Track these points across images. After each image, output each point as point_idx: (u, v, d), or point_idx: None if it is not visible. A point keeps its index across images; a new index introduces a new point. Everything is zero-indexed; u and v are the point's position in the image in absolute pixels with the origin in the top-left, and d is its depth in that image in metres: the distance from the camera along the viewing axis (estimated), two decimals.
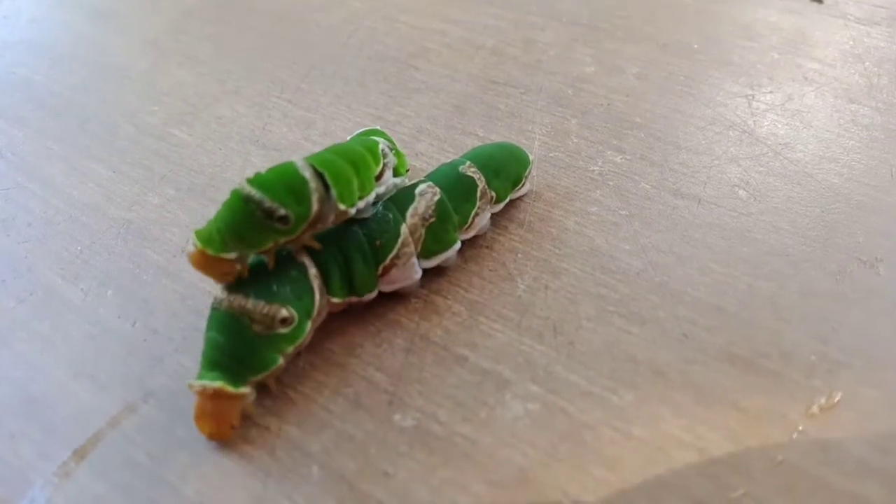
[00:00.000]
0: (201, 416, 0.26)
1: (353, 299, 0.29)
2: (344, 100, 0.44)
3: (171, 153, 0.40)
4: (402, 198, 0.30)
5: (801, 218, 0.34)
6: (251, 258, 0.27)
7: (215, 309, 0.26)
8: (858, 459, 0.25)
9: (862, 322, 0.29)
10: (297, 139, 0.41)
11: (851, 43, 0.47)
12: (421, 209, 0.30)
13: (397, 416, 0.27)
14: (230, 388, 0.25)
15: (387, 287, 0.30)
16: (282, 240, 0.26)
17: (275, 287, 0.27)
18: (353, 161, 0.28)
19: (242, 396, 0.26)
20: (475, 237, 0.33)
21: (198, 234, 0.25)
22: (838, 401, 0.27)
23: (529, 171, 0.35)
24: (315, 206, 0.26)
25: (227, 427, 0.26)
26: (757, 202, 0.35)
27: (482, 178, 0.32)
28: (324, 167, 0.27)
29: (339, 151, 0.29)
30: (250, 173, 0.26)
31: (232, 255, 0.25)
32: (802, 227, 0.34)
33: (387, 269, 0.29)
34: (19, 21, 0.55)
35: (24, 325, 0.31)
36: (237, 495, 0.25)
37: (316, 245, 0.28)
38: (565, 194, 0.36)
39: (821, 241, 0.33)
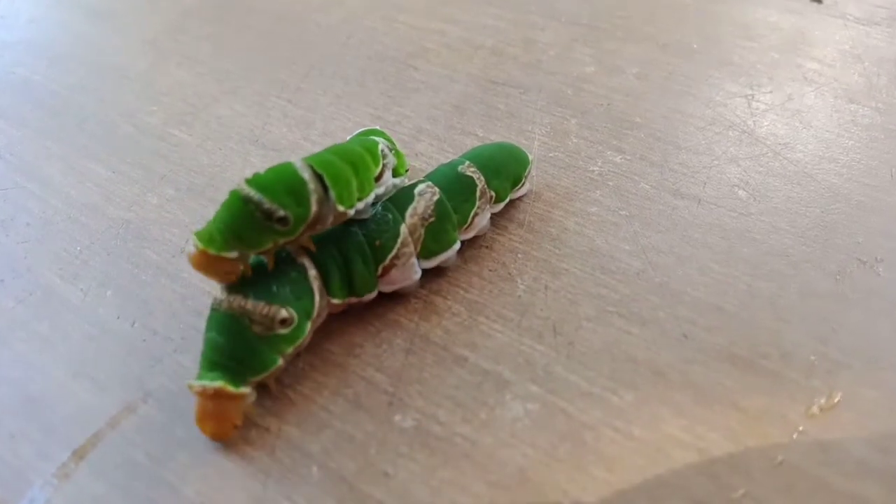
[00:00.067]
0: (202, 417, 0.26)
1: (353, 300, 0.29)
2: (343, 100, 0.44)
3: (170, 153, 0.40)
4: (402, 198, 0.30)
5: (800, 218, 0.34)
6: (251, 258, 0.27)
7: (215, 310, 0.26)
8: (858, 460, 0.25)
9: (862, 322, 0.29)
10: (296, 139, 0.41)
11: (851, 43, 0.47)
12: (420, 209, 0.30)
13: (397, 417, 0.27)
14: (231, 388, 0.25)
15: (386, 287, 0.30)
16: (281, 240, 0.26)
17: (274, 288, 0.27)
18: (352, 162, 0.28)
19: (243, 396, 0.26)
20: (475, 237, 0.33)
21: (198, 234, 0.25)
22: (838, 401, 0.27)
23: (529, 171, 0.35)
24: (314, 208, 0.26)
25: (228, 427, 0.26)
26: (757, 202, 0.35)
27: (482, 178, 0.32)
28: (323, 168, 0.27)
29: (339, 152, 0.28)
30: (249, 174, 0.26)
31: (233, 254, 0.25)
32: (802, 227, 0.34)
33: (386, 270, 0.29)
34: (18, 21, 0.55)
35: (23, 326, 0.31)
36: (237, 496, 0.25)
37: (312, 247, 0.28)
38: (565, 194, 0.36)
39: (820, 242, 0.33)
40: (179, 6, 0.55)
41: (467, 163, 0.32)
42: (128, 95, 0.46)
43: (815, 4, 0.51)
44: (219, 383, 0.25)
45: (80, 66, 0.49)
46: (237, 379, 0.26)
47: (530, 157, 0.36)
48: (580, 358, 0.28)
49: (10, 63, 0.50)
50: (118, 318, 0.31)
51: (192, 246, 0.25)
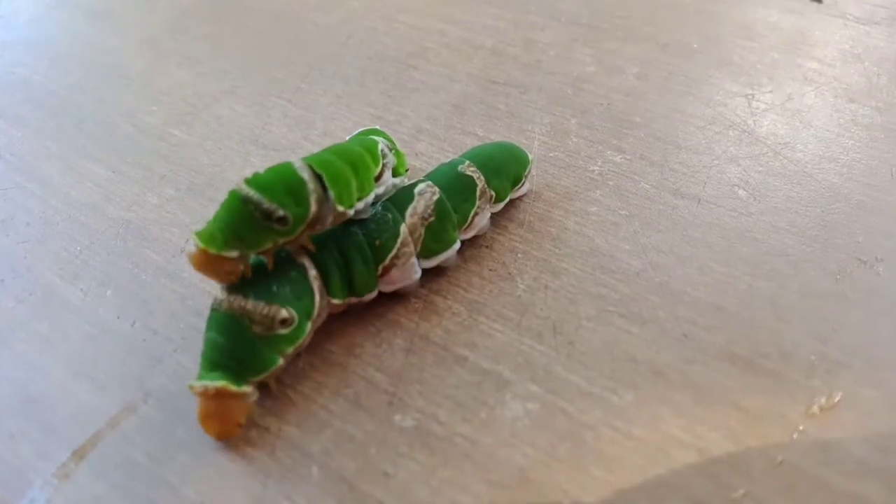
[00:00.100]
0: (206, 418, 0.26)
1: (353, 300, 0.29)
2: (343, 100, 0.44)
3: (170, 153, 0.40)
4: (401, 197, 0.30)
5: (800, 218, 0.34)
6: (251, 259, 0.27)
7: (215, 310, 0.26)
8: (858, 459, 0.25)
9: (862, 322, 0.29)
10: (296, 139, 0.41)
11: (851, 43, 0.47)
12: (420, 209, 0.30)
13: (397, 417, 0.27)
14: (233, 387, 0.25)
15: (386, 287, 0.30)
16: (281, 240, 0.26)
17: (274, 288, 0.27)
18: (351, 162, 0.28)
19: (245, 395, 0.26)
20: (475, 237, 0.33)
21: (198, 234, 0.25)
22: (838, 401, 0.27)
23: (529, 171, 0.35)
24: (313, 208, 0.26)
25: (233, 426, 0.26)
26: (757, 202, 0.35)
27: (482, 178, 0.32)
28: (322, 168, 0.27)
29: (338, 152, 0.28)
30: (249, 174, 0.26)
31: (234, 254, 0.25)
32: (802, 226, 0.34)
33: (386, 270, 0.29)
34: (17, 21, 0.55)
35: (23, 326, 0.31)
36: (237, 496, 0.25)
37: (311, 247, 0.28)
38: (565, 194, 0.36)
39: (821, 241, 0.33)
40: (179, 6, 0.55)
41: (467, 162, 0.32)
42: (127, 95, 0.46)
43: (815, 4, 0.51)
44: (220, 383, 0.25)
45: (80, 66, 0.49)
46: (238, 379, 0.26)
47: (530, 157, 0.36)
48: (580, 358, 0.28)
49: (10, 63, 0.50)
50: (118, 318, 0.31)
51: (192, 246, 0.25)
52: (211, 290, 0.31)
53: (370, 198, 0.29)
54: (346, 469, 0.25)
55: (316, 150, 0.30)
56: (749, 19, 0.50)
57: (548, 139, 0.40)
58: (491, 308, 0.31)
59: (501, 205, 0.34)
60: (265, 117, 0.43)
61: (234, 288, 0.26)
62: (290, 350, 0.27)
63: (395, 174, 0.33)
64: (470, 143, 0.40)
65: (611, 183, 0.37)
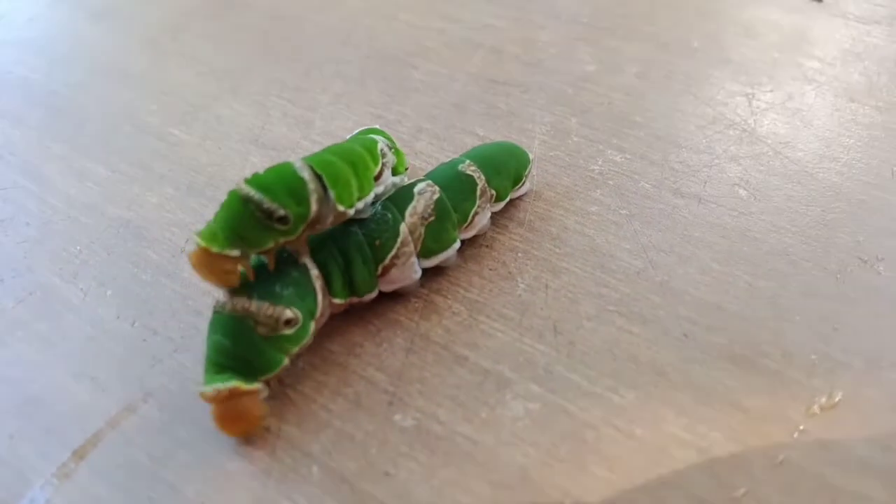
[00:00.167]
0: (224, 421, 0.26)
1: (354, 300, 0.29)
2: (343, 99, 0.44)
3: (169, 152, 0.40)
4: (401, 197, 0.30)
5: (801, 217, 0.34)
6: (253, 260, 0.27)
7: (218, 312, 0.26)
8: (860, 458, 0.25)
9: (863, 321, 0.29)
10: (296, 138, 0.41)
11: (851, 42, 0.47)
12: (420, 208, 0.30)
13: (398, 416, 0.27)
14: (244, 385, 0.25)
15: (387, 287, 0.30)
16: (282, 240, 0.26)
17: (278, 289, 0.26)
18: (351, 161, 0.28)
19: (258, 390, 0.26)
20: (475, 236, 0.33)
21: (200, 233, 0.25)
22: (839, 400, 0.27)
23: (529, 170, 0.35)
24: (314, 207, 0.26)
25: (254, 422, 0.26)
26: (757, 201, 0.35)
27: (482, 177, 0.32)
28: (322, 168, 0.27)
29: (338, 152, 0.28)
30: (249, 173, 0.26)
31: (235, 253, 0.25)
32: (803, 226, 0.34)
33: (386, 269, 0.29)
34: (17, 20, 0.55)
35: (23, 326, 0.31)
36: (237, 495, 0.25)
37: (305, 250, 0.28)
38: (565, 193, 0.36)
39: (821, 241, 0.33)
40: (179, 6, 0.55)
41: (468, 162, 0.32)
42: (127, 95, 0.45)
43: (816, 3, 0.51)
44: (232, 383, 0.25)
45: (80, 66, 0.49)
46: (247, 378, 0.26)
47: (531, 156, 0.36)
48: (581, 357, 0.28)
49: (10, 62, 0.50)
50: (118, 317, 0.31)
51: (193, 246, 0.25)
52: (211, 290, 0.31)
53: (370, 197, 0.29)
54: (347, 469, 0.25)
55: (316, 149, 0.30)
56: (749, 18, 0.50)
57: (548, 138, 0.40)
58: (491, 307, 0.31)
59: (502, 204, 0.34)
60: (265, 117, 0.43)
61: (237, 289, 0.26)
62: (294, 350, 0.27)
63: (394, 173, 0.33)
64: (470, 143, 0.40)
65: (611, 182, 0.37)
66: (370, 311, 0.31)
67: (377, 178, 0.30)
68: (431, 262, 0.31)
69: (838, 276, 0.31)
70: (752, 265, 0.32)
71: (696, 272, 0.31)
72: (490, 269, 0.32)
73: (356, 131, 0.36)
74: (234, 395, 0.25)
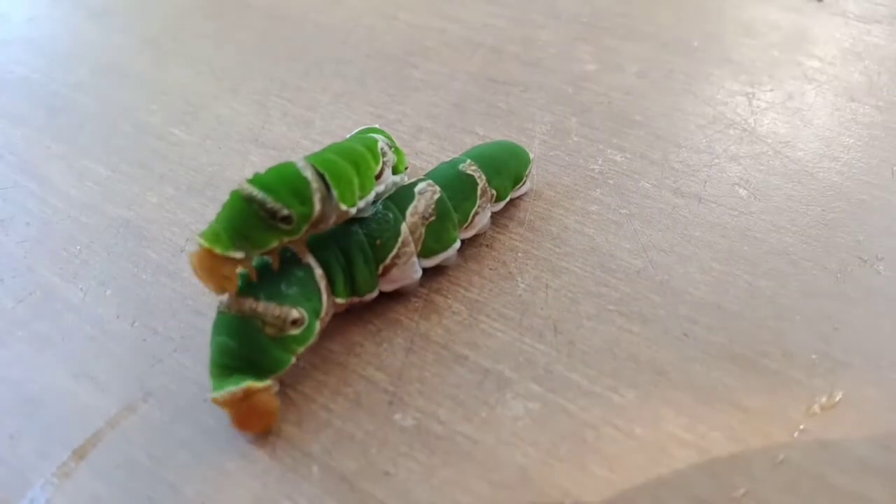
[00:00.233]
0: (242, 421, 0.26)
1: (355, 300, 0.29)
2: (343, 98, 0.44)
3: (169, 152, 0.40)
4: (402, 196, 0.30)
5: (801, 216, 0.34)
6: (256, 260, 0.27)
7: (223, 313, 0.26)
8: (860, 458, 0.25)
9: (863, 321, 0.29)
10: (296, 138, 0.41)
11: (851, 41, 0.47)
12: (421, 208, 0.30)
13: (398, 416, 0.27)
14: (257, 384, 0.25)
15: (387, 286, 0.30)
16: (286, 239, 0.26)
17: (284, 288, 0.26)
18: (353, 161, 0.28)
19: (270, 386, 0.26)
20: (475, 236, 0.33)
21: (203, 234, 0.25)
22: (839, 400, 0.27)
23: (530, 170, 0.35)
24: (317, 207, 0.26)
25: (272, 418, 0.26)
26: (757, 201, 0.35)
27: (483, 177, 0.32)
28: (325, 168, 0.27)
29: (340, 151, 0.28)
30: (249, 173, 0.26)
31: (239, 255, 0.25)
32: (803, 225, 0.33)
33: (387, 269, 0.29)
34: (17, 19, 0.55)
35: (23, 325, 0.31)
36: (237, 495, 0.25)
37: (306, 251, 0.28)
38: (566, 193, 0.36)
39: (821, 240, 0.33)
40: (179, 5, 0.55)
41: (468, 161, 0.32)
42: (127, 94, 0.45)
43: (816, 2, 0.51)
44: (245, 384, 0.25)
45: (80, 65, 0.49)
46: (256, 378, 0.26)
47: (531, 156, 0.35)
48: (581, 357, 0.28)
49: (10, 62, 0.50)
50: (118, 317, 0.31)
51: (194, 246, 0.25)
52: None
53: (371, 196, 0.29)
54: (347, 468, 0.25)
55: (316, 149, 0.30)
56: (749, 17, 0.50)
57: (548, 138, 0.40)
58: (491, 307, 0.31)
59: (502, 204, 0.34)
60: (265, 116, 0.43)
61: (242, 290, 0.26)
62: (301, 349, 0.27)
63: (394, 172, 0.33)
64: (470, 142, 0.40)
65: (611, 182, 0.37)
66: (370, 311, 0.31)
67: (378, 177, 0.30)
68: (432, 262, 0.31)
69: (838, 275, 0.31)
70: (753, 265, 0.32)
71: (697, 272, 0.31)
72: (490, 269, 0.32)
73: (356, 130, 0.36)
74: (248, 395, 0.25)
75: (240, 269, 0.26)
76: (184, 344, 0.30)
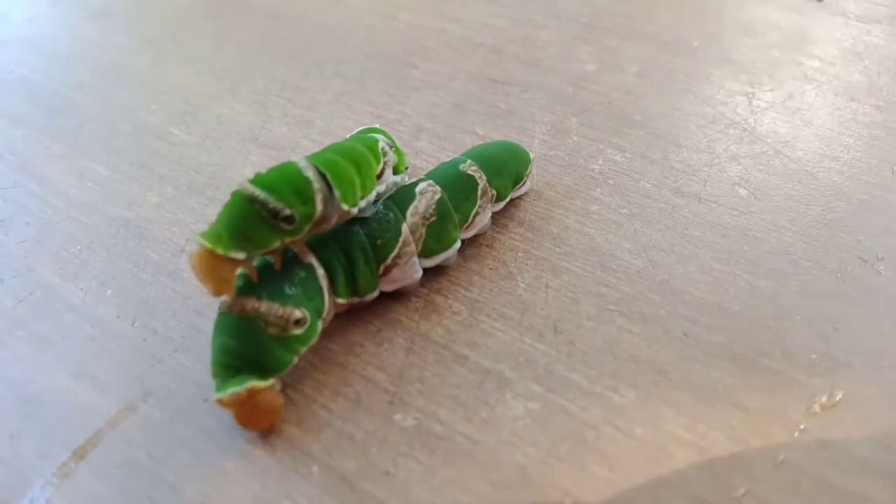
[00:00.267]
0: (247, 420, 0.26)
1: (356, 300, 0.29)
2: (343, 98, 0.44)
3: (169, 152, 0.40)
4: (403, 196, 0.30)
5: (801, 216, 0.34)
6: (258, 260, 0.27)
7: (225, 313, 0.26)
8: (860, 458, 0.25)
9: (863, 321, 0.29)
10: (296, 138, 0.41)
11: (851, 41, 0.47)
12: (421, 208, 0.30)
13: (398, 416, 0.27)
14: (261, 384, 0.25)
15: (388, 286, 0.30)
16: (287, 240, 0.26)
17: (286, 289, 0.26)
18: (354, 160, 0.28)
19: (274, 385, 0.26)
20: (476, 236, 0.33)
21: (204, 234, 0.25)
22: (840, 399, 0.27)
23: (530, 170, 0.35)
24: (319, 207, 0.26)
25: (277, 415, 0.26)
26: (757, 200, 0.35)
27: (483, 177, 0.32)
28: (326, 168, 0.26)
29: (341, 151, 0.28)
30: (250, 173, 0.26)
31: (241, 255, 0.25)
32: (803, 225, 0.33)
33: (388, 269, 0.29)
34: (17, 19, 0.55)
35: (23, 325, 0.31)
36: (237, 495, 0.25)
37: (306, 251, 0.28)
38: (566, 193, 0.36)
39: (822, 240, 0.33)
40: (179, 5, 0.55)
41: (469, 161, 0.32)
42: (127, 94, 0.45)
43: (816, 2, 0.51)
44: (249, 384, 0.25)
45: (80, 65, 0.49)
46: (259, 377, 0.26)
47: (531, 156, 0.35)
48: (581, 356, 0.28)
49: (10, 62, 0.50)
50: (118, 317, 0.31)
51: (194, 245, 0.25)
52: None
53: (372, 196, 0.29)
54: (347, 468, 0.25)
55: (316, 149, 0.30)
56: (749, 17, 0.50)
57: (548, 138, 0.40)
58: (492, 307, 0.31)
59: (502, 204, 0.34)
60: (265, 116, 0.43)
61: (245, 290, 0.26)
62: (303, 349, 0.27)
63: (395, 172, 0.33)
64: (470, 142, 0.40)
65: (611, 181, 0.37)
66: (370, 311, 0.31)
67: (379, 176, 0.30)
68: (432, 262, 0.31)
69: (839, 275, 0.31)
70: (753, 264, 0.32)
71: (697, 271, 0.31)
72: (490, 269, 0.32)
73: (356, 130, 0.36)
74: (252, 394, 0.25)
75: (239, 270, 0.26)
76: (184, 344, 0.30)
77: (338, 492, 0.25)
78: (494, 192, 0.33)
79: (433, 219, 0.30)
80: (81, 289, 0.33)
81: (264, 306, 0.26)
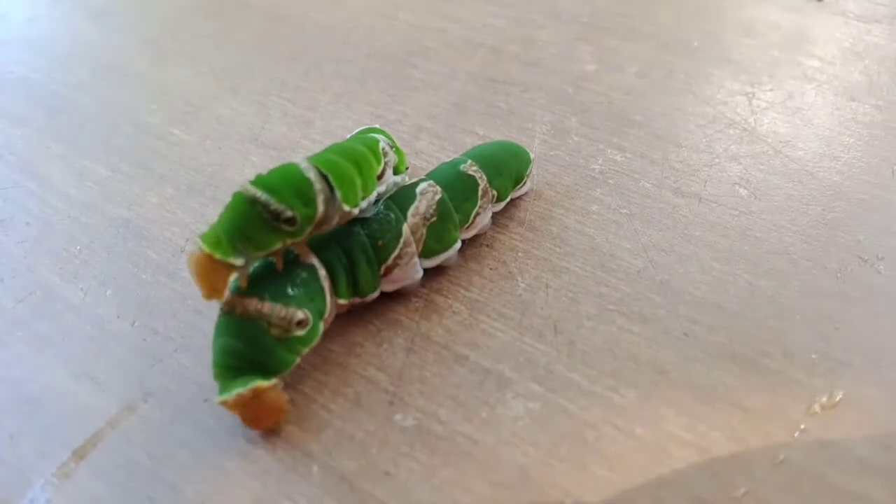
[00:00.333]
0: (252, 420, 0.26)
1: (357, 300, 0.29)
2: (343, 98, 0.44)
3: (169, 152, 0.40)
4: (403, 197, 0.30)
5: (801, 216, 0.34)
6: (259, 261, 0.27)
7: (227, 314, 0.26)
8: (860, 458, 0.25)
9: (863, 320, 0.29)
10: (296, 138, 0.41)
11: (851, 41, 0.47)
12: (422, 208, 0.30)
13: (398, 416, 0.27)
14: (265, 383, 0.25)
15: (389, 287, 0.30)
16: (289, 241, 0.26)
17: (288, 289, 0.26)
18: (355, 161, 0.28)
19: (277, 384, 0.26)
20: (476, 236, 0.33)
21: (204, 237, 0.25)
22: (840, 399, 0.27)
23: (530, 170, 0.35)
24: (321, 208, 0.26)
25: (282, 414, 0.26)
26: (758, 200, 0.35)
27: (483, 177, 0.32)
28: (328, 169, 0.26)
29: (341, 152, 0.28)
30: (250, 173, 0.26)
31: (238, 262, 0.25)
32: (803, 225, 0.33)
33: (389, 269, 0.29)
34: (17, 19, 0.55)
35: (23, 325, 0.31)
36: (237, 495, 0.25)
37: (307, 251, 0.28)
38: (566, 193, 0.36)
39: (822, 240, 0.33)
40: (179, 5, 0.55)
41: (469, 161, 0.32)
42: (127, 94, 0.45)
43: (816, 2, 0.51)
44: (253, 384, 0.25)
45: (80, 65, 0.49)
46: (262, 377, 0.26)
47: (531, 156, 0.35)
48: (581, 356, 0.28)
49: (10, 62, 0.50)
50: (118, 317, 0.31)
51: (194, 246, 0.25)
52: None
53: (373, 196, 0.29)
54: (347, 468, 0.25)
55: (316, 149, 0.30)
56: (749, 17, 0.50)
57: (548, 138, 0.40)
58: (492, 307, 0.31)
59: (503, 204, 0.34)
60: (265, 116, 0.43)
61: (247, 291, 0.26)
62: (305, 350, 0.27)
63: (395, 172, 0.33)
64: (470, 142, 0.40)
65: (611, 181, 0.37)
66: (370, 311, 0.31)
67: (380, 177, 0.30)
68: (433, 262, 0.31)
69: (839, 275, 0.31)
70: (753, 264, 0.32)
71: (697, 271, 0.31)
72: (491, 269, 0.32)
73: (356, 131, 0.36)
74: (256, 395, 0.25)
75: (234, 275, 0.26)
76: (184, 344, 0.30)
77: (338, 492, 0.25)
78: (495, 192, 0.33)
79: (434, 219, 0.30)
80: (81, 289, 0.33)
81: (267, 307, 0.26)
